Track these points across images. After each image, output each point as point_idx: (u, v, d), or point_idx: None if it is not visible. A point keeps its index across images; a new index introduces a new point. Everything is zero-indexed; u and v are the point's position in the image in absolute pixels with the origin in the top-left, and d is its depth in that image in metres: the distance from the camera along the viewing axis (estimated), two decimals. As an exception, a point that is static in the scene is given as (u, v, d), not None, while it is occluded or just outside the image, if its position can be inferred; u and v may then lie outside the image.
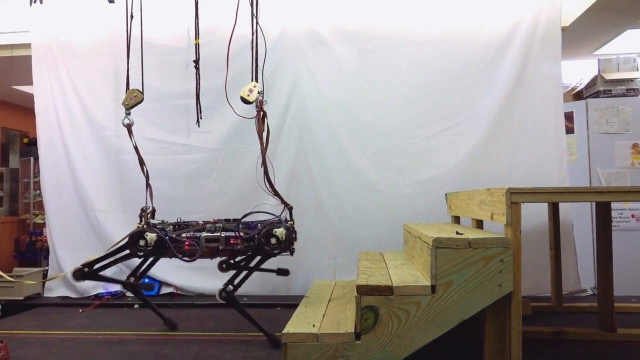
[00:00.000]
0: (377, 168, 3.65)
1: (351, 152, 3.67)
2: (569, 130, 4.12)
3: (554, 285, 3.13)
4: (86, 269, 2.64)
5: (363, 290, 1.96)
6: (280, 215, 2.64)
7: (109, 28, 3.87)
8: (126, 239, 2.65)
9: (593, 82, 4.47)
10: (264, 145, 2.71)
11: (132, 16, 3.09)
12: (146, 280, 3.73)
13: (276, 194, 2.68)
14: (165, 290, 3.72)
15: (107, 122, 3.86)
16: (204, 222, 2.73)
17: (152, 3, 3.36)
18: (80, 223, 3.82)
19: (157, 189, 3.75)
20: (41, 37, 3.90)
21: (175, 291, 3.70)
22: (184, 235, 2.61)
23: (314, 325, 2.06)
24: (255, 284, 3.63)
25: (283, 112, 3.68)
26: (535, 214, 3.25)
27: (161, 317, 2.90)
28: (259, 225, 2.65)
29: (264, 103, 2.75)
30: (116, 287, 3.72)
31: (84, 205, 3.83)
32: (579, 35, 3.89)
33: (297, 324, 2.10)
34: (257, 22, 2.88)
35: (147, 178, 2.91)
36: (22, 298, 3.57)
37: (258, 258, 2.64)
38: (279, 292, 3.67)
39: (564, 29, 3.61)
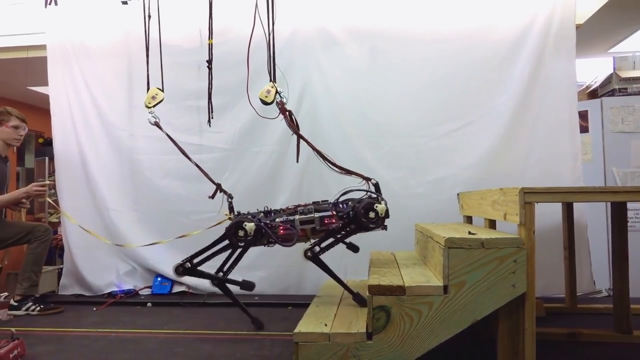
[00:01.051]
0: (388, 167, 3.63)
1: (362, 151, 3.67)
2: (584, 129, 4.07)
3: (568, 286, 3.10)
4: (188, 265, 2.67)
5: (375, 290, 1.95)
6: (367, 192, 2.62)
7: (123, 29, 3.91)
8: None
9: (608, 80, 4.41)
10: (306, 139, 2.77)
11: (149, 16, 3.11)
12: (159, 278, 3.78)
13: (351, 172, 2.66)
14: (177, 289, 3.75)
15: (121, 122, 3.90)
16: (294, 206, 2.71)
17: (164, 4, 3.39)
18: (94, 222, 3.87)
19: (169, 189, 3.82)
20: (56, 38, 3.95)
21: (187, 290, 3.72)
22: (277, 220, 2.60)
23: (325, 325, 2.06)
24: (267, 283, 3.65)
25: (294, 112, 3.66)
26: (549, 213, 3.22)
27: (249, 316, 2.86)
28: (349, 202, 2.62)
29: (284, 103, 2.77)
30: (129, 286, 3.77)
31: (97, 205, 3.88)
32: (594, 32, 3.83)
33: (308, 324, 2.10)
34: (273, 22, 2.90)
35: (200, 168, 2.97)
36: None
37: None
38: (290, 292, 3.68)
39: (578, 27, 3.57)
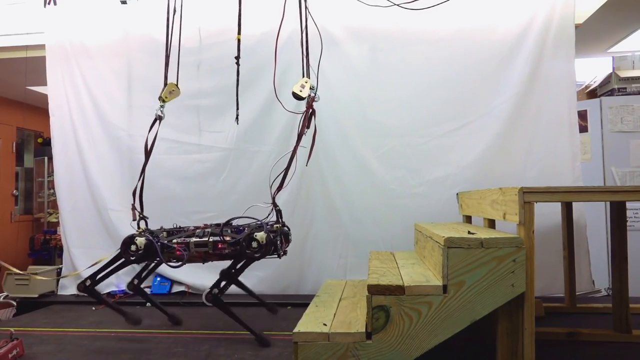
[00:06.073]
0: (388, 167, 3.64)
1: (362, 151, 3.67)
2: (583, 129, 4.07)
3: (567, 285, 3.10)
4: (88, 282, 2.74)
5: (374, 290, 1.95)
6: (265, 218, 2.66)
7: (122, 29, 3.91)
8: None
9: (607, 79, 4.41)
10: (310, 146, 2.82)
11: (174, 10, 3.09)
12: (158, 278, 3.78)
13: (272, 196, 2.67)
14: (176, 288, 3.75)
15: (120, 122, 3.90)
16: (194, 227, 2.78)
17: (163, 4, 3.38)
18: (93, 222, 3.87)
19: (168, 189, 3.82)
20: (55, 38, 3.94)
21: (186, 290, 3.72)
22: (174, 240, 2.66)
23: (325, 325, 2.06)
24: (266, 283, 3.65)
25: (290, 109, 3.68)
26: (548, 213, 3.22)
27: (165, 313, 2.99)
28: (246, 229, 2.65)
29: (314, 100, 2.80)
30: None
31: (97, 205, 3.88)
32: (593, 32, 3.83)
33: (308, 324, 2.10)
34: (306, 19, 2.93)
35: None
36: (36, 296, 3.62)
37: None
38: (289, 292, 3.68)
39: (577, 27, 3.56)
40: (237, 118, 3.16)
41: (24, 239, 5.70)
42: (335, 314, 2.27)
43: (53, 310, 3.46)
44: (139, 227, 2.78)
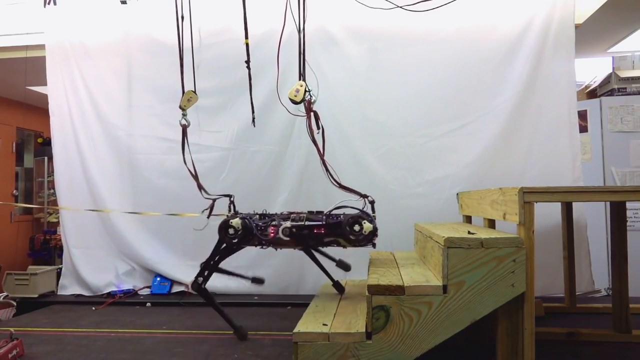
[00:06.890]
0: (388, 167, 3.63)
1: (362, 151, 3.67)
2: (583, 129, 4.07)
3: (567, 285, 3.10)
4: (201, 279, 2.68)
5: (374, 290, 1.96)
6: (363, 208, 2.62)
7: (122, 29, 3.91)
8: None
9: (607, 80, 4.41)
10: (321, 145, 2.77)
11: (182, 17, 3.08)
12: (158, 278, 3.78)
13: (350, 190, 2.67)
14: (176, 288, 3.75)
15: (120, 122, 3.90)
16: (288, 212, 2.76)
17: (163, 4, 3.39)
18: (93, 222, 3.87)
19: (167, 188, 3.82)
20: (55, 38, 3.94)
21: (186, 290, 3.72)
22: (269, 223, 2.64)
23: (325, 325, 2.06)
24: (266, 283, 3.64)
25: (293, 112, 3.68)
26: (548, 213, 3.22)
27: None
28: (341, 216, 2.63)
29: (312, 102, 2.78)
30: (128, 286, 3.77)
31: (96, 204, 3.87)
32: (593, 32, 3.83)
33: (308, 323, 2.11)
34: (303, 21, 2.90)
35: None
36: (36, 296, 3.62)
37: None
38: (289, 291, 3.68)
39: (577, 27, 3.57)
40: (253, 120, 3.16)
41: (24, 238, 5.70)
42: (335, 314, 2.28)
43: (53, 310, 3.46)
44: (229, 210, 2.80)
